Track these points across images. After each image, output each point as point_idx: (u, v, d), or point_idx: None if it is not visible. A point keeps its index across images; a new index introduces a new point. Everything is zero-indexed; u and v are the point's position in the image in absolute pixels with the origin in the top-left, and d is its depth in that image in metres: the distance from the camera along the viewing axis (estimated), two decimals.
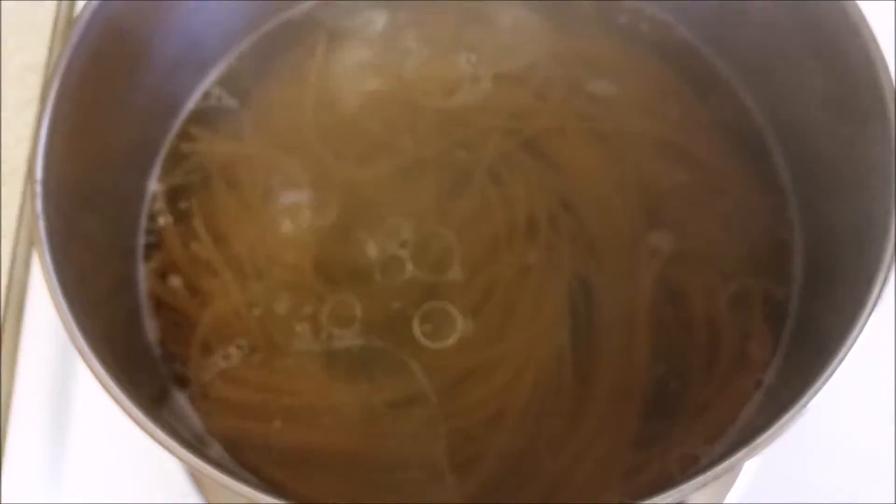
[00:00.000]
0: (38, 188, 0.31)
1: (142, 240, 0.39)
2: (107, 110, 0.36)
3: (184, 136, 0.41)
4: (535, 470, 0.35)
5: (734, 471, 0.40)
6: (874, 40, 0.34)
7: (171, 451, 0.28)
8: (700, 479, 0.28)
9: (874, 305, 0.30)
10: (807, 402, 0.28)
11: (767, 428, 0.28)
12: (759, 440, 0.27)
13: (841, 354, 0.29)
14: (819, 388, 0.28)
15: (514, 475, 0.35)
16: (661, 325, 0.37)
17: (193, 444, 0.31)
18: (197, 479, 0.40)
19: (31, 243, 0.46)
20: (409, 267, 0.39)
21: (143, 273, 0.38)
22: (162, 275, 0.38)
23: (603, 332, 0.37)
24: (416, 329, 0.38)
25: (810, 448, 0.40)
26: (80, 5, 0.50)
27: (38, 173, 0.31)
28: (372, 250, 0.39)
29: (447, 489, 0.35)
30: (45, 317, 0.44)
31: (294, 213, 0.40)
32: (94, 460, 0.42)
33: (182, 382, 0.36)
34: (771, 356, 0.37)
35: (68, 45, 0.33)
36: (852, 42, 0.35)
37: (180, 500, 0.41)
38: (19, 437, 0.42)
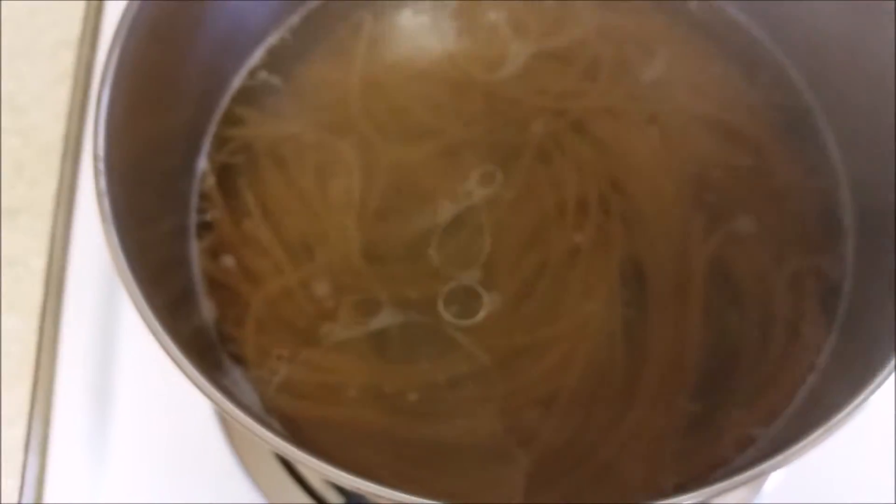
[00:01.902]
0: (101, 166, 0.30)
1: (194, 219, 0.39)
2: (160, 87, 0.35)
3: (231, 114, 0.41)
4: (588, 450, 0.35)
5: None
6: None
7: (242, 424, 0.28)
8: (770, 462, 0.28)
9: None
10: (877, 387, 0.28)
11: (837, 411, 0.27)
12: (833, 421, 0.27)
13: None
14: (888, 375, 0.28)
15: (567, 455, 0.35)
16: (714, 307, 0.37)
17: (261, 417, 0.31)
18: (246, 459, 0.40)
19: (68, 223, 0.46)
20: (458, 246, 0.39)
21: (196, 252, 0.38)
22: (214, 254, 0.38)
23: (654, 312, 0.37)
24: (463, 308, 0.37)
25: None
26: None
27: (101, 150, 0.30)
28: (419, 230, 0.39)
29: (507, 467, 0.35)
30: (86, 295, 0.44)
31: (341, 193, 0.40)
32: (139, 437, 0.42)
33: (239, 362, 0.36)
34: (825, 337, 0.37)
35: (125, 21, 0.32)
36: None
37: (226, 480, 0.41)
38: (64, 418, 0.43)
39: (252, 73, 0.42)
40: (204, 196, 0.39)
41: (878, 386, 0.28)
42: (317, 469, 0.27)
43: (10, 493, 0.42)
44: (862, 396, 0.27)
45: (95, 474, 0.41)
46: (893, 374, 0.29)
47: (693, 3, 0.43)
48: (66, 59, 0.50)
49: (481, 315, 0.37)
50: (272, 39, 0.42)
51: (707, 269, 0.38)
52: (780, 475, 0.40)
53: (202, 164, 0.40)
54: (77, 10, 0.50)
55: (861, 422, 0.29)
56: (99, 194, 0.30)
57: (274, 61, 0.42)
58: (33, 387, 0.43)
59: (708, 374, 0.36)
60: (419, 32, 0.43)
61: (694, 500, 0.27)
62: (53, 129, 0.48)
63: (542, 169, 0.40)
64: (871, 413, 0.33)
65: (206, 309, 0.37)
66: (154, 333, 0.29)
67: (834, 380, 0.35)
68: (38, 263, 0.46)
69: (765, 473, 0.27)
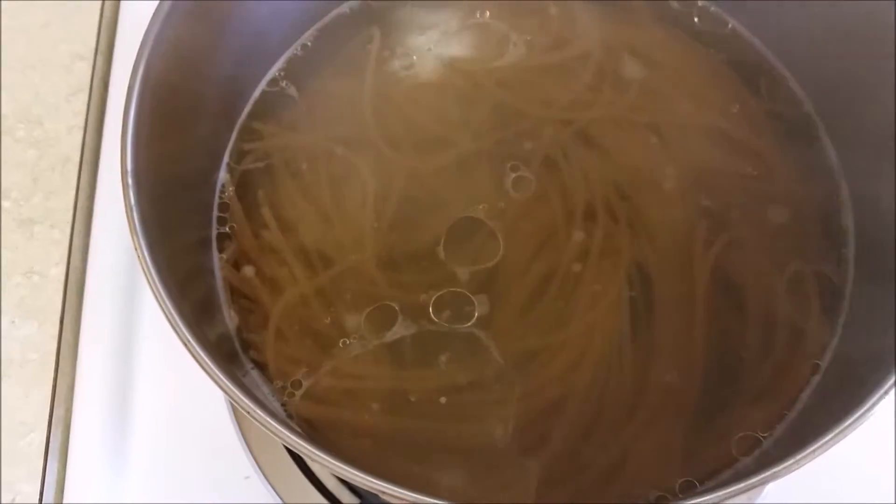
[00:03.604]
0: (130, 180, 0.31)
1: (215, 230, 0.40)
2: (183, 103, 0.36)
3: (249, 128, 0.42)
4: (598, 449, 0.37)
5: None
6: None
7: (264, 426, 0.29)
8: (781, 467, 0.28)
9: None
10: (887, 391, 0.29)
11: (853, 412, 0.28)
12: (840, 427, 0.28)
13: None
14: (889, 389, 0.29)
15: (578, 455, 0.36)
16: (718, 311, 0.39)
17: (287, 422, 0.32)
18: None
19: (87, 232, 0.47)
20: (470, 253, 0.40)
21: (217, 262, 0.39)
22: (236, 264, 0.39)
23: (660, 317, 0.39)
24: (477, 312, 0.38)
25: None
26: None
27: (129, 165, 0.31)
28: (432, 238, 0.40)
29: (518, 468, 0.36)
30: (104, 302, 0.45)
31: (355, 203, 0.41)
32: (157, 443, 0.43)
33: (260, 367, 0.37)
34: (829, 339, 0.38)
35: (147, 39, 0.33)
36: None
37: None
38: (84, 423, 0.44)
39: (268, 89, 0.43)
40: (224, 208, 0.40)
41: (889, 389, 0.29)
42: (333, 468, 0.28)
43: (31, 497, 0.42)
44: (871, 402, 0.28)
45: (115, 479, 0.42)
46: None
47: (695, 16, 0.45)
48: (81, 72, 0.51)
49: (489, 320, 0.38)
50: (287, 56, 0.44)
51: (711, 274, 0.39)
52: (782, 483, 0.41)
53: (222, 176, 0.41)
54: (91, 23, 0.51)
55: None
56: (128, 208, 0.31)
57: (289, 77, 0.43)
58: (53, 392, 0.44)
59: (713, 376, 0.38)
60: (427, 47, 0.45)
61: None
62: (68, 141, 0.49)
63: (551, 177, 0.41)
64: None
65: (229, 317, 0.38)
66: (182, 340, 0.30)
67: (838, 381, 0.36)
68: (55, 272, 0.47)
69: (775, 478, 0.28)
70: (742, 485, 0.27)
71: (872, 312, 0.37)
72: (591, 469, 0.36)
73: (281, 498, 0.41)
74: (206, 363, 0.29)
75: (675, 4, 0.45)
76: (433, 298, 0.38)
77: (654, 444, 0.37)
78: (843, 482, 0.41)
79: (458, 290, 0.39)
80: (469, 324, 0.38)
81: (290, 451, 0.42)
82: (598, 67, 0.44)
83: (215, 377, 0.29)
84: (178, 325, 0.29)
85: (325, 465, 0.28)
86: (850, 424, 0.28)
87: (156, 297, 0.30)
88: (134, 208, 0.31)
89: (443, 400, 0.37)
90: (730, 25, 0.45)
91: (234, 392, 0.29)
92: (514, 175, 0.41)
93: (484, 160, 0.42)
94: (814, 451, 0.27)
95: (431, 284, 0.39)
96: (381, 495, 0.33)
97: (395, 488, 0.28)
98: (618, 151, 0.42)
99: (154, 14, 0.34)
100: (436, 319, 0.38)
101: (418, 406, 0.37)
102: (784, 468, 0.27)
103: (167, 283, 0.31)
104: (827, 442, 0.27)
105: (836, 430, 0.28)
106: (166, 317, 0.29)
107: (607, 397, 0.37)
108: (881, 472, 0.42)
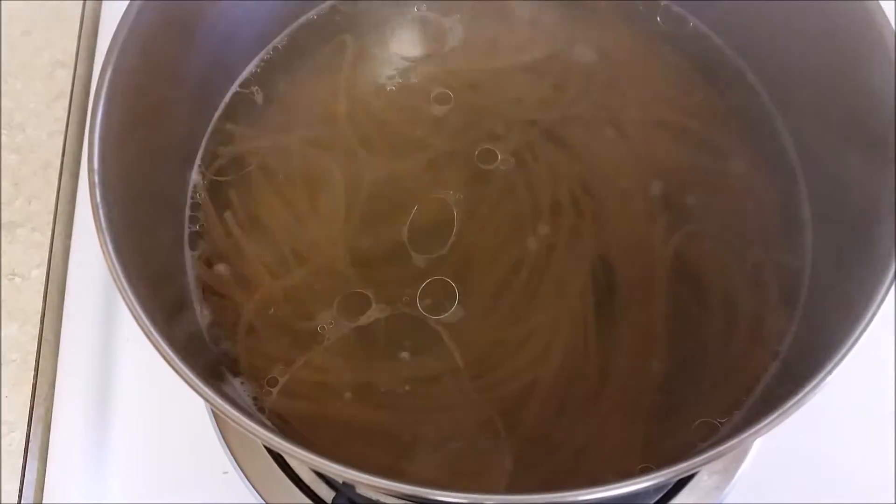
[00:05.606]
0: (96, 178, 0.32)
1: (187, 229, 0.40)
2: (153, 104, 0.37)
3: (221, 129, 0.43)
4: (564, 438, 0.37)
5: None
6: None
7: (234, 421, 0.29)
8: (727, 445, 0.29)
9: (893, 276, 0.32)
10: (829, 374, 0.30)
11: (796, 392, 0.29)
12: (788, 404, 0.29)
13: (864, 321, 0.30)
14: (844, 355, 0.30)
15: (544, 444, 0.37)
16: (680, 300, 0.39)
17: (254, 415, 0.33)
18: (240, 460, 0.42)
19: (68, 234, 0.48)
20: (439, 248, 0.41)
21: (190, 261, 0.40)
22: (208, 262, 0.40)
23: (624, 308, 0.39)
24: (448, 308, 0.39)
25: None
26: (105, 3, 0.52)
27: (96, 164, 0.32)
28: (402, 235, 0.41)
29: (488, 456, 0.36)
30: (84, 304, 0.46)
31: (328, 203, 0.42)
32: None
33: (233, 364, 0.38)
34: (788, 325, 0.39)
35: (116, 41, 0.34)
36: (860, 23, 0.37)
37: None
38: (63, 423, 0.44)
39: (241, 91, 0.44)
40: (196, 208, 0.41)
41: (830, 372, 0.30)
42: (305, 460, 0.29)
43: (11, 495, 0.43)
44: (815, 381, 0.29)
45: (94, 476, 0.43)
46: None
47: (659, 17, 0.46)
48: (62, 78, 0.52)
49: (458, 310, 0.39)
50: (259, 58, 0.44)
51: (672, 265, 0.40)
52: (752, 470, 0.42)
53: (194, 176, 0.42)
54: (71, 31, 0.52)
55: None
56: (94, 206, 0.32)
57: (261, 79, 0.44)
58: (33, 392, 0.45)
59: (675, 363, 0.38)
60: (398, 51, 0.46)
61: (656, 480, 0.29)
62: (49, 146, 0.50)
63: (519, 174, 0.42)
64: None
65: (201, 315, 0.39)
66: (149, 337, 0.30)
67: (796, 368, 0.37)
68: (36, 274, 0.47)
69: (721, 455, 0.29)
70: (684, 464, 0.28)
71: (830, 299, 0.37)
72: (557, 456, 0.37)
73: (258, 492, 0.42)
74: (172, 359, 0.30)
75: (639, 5, 0.46)
76: (420, 290, 0.39)
77: (617, 430, 0.38)
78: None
79: (440, 277, 0.39)
80: (442, 315, 0.39)
81: (266, 447, 0.42)
82: (564, 67, 0.45)
83: (181, 372, 0.30)
84: (143, 322, 0.30)
85: (301, 459, 0.29)
86: (790, 407, 0.29)
87: (121, 293, 0.30)
88: (100, 206, 0.31)
89: (413, 391, 0.37)
90: (691, 24, 0.46)
91: (199, 386, 0.30)
92: (483, 173, 0.42)
93: (454, 159, 0.43)
94: (755, 432, 0.28)
95: (402, 279, 0.40)
96: (357, 486, 0.34)
97: (371, 478, 0.29)
98: (583, 148, 0.43)
99: (123, 16, 0.35)
100: (423, 311, 0.39)
101: (389, 396, 0.37)
102: (727, 447, 0.28)
103: (135, 281, 0.32)
104: (766, 425, 0.28)
105: (780, 411, 0.28)
106: (132, 314, 0.30)
107: (573, 386, 0.38)
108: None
